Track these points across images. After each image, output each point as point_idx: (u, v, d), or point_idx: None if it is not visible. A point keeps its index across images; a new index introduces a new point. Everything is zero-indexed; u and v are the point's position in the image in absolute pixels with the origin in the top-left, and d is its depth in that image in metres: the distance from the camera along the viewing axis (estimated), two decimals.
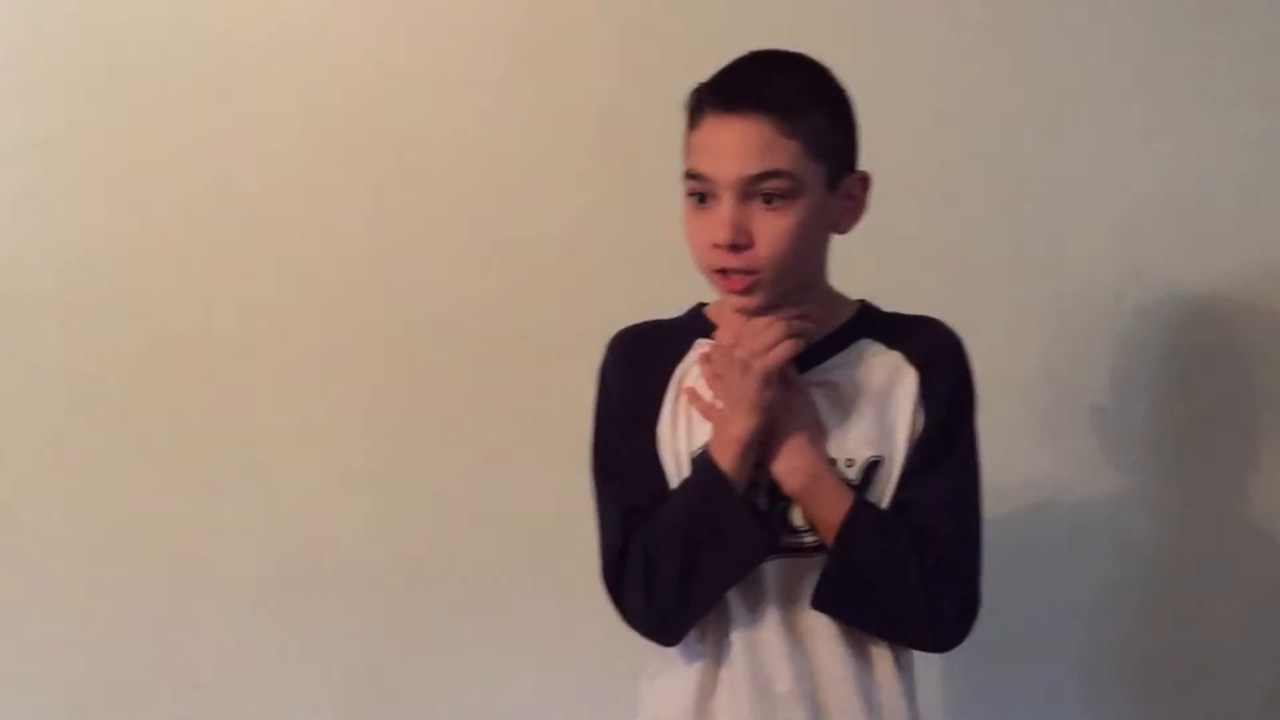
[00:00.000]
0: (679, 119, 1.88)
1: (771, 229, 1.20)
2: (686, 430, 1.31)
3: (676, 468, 1.31)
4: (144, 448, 1.94)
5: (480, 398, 1.94)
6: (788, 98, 1.21)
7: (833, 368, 1.29)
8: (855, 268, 1.87)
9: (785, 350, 1.23)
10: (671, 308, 1.90)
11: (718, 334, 1.30)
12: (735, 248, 1.21)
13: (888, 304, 1.77)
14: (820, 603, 1.25)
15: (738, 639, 1.28)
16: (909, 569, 1.23)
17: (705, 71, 1.88)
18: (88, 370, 1.93)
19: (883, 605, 1.25)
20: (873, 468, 1.27)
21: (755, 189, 1.20)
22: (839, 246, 1.79)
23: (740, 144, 1.20)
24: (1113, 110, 1.89)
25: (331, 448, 1.96)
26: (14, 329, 1.92)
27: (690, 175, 1.24)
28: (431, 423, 1.94)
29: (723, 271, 1.24)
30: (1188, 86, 1.87)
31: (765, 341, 1.23)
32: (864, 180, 1.29)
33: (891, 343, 1.31)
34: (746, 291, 1.23)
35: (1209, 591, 1.92)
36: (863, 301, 1.36)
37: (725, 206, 1.20)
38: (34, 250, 1.92)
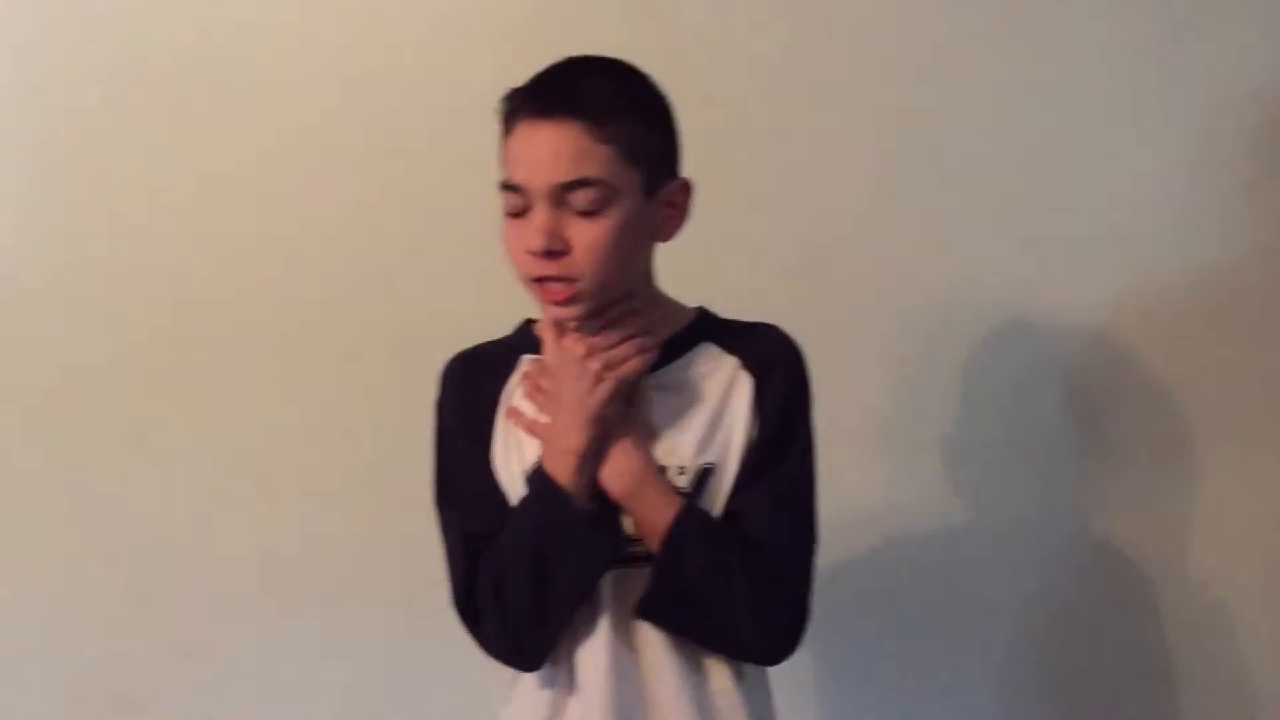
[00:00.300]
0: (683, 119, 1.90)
1: (588, 236, 1.21)
2: (517, 450, 1.32)
3: (512, 489, 1.31)
4: (147, 448, 1.99)
5: None
6: (601, 102, 1.21)
7: (669, 373, 1.30)
8: (852, 267, 1.90)
9: (639, 364, 1.26)
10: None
11: (566, 343, 1.28)
12: (551, 254, 1.21)
13: (883, 303, 1.78)
14: (645, 612, 1.26)
15: (573, 654, 1.28)
16: (735, 579, 1.24)
17: (707, 69, 1.90)
18: (89, 371, 1.97)
19: (708, 615, 1.25)
20: (705, 475, 1.28)
21: (569, 196, 1.21)
22: (839, 244, 1.81)
23: (553, 151, 1.20)
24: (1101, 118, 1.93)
25: (336, 447, 1.97)
26: (16, 330, 1.97)
27: (504, 186, 1.24)
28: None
29: (541, 282, 1.24)
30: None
31: (621, 354, 1.25)
32: (685, 187, 1.29)
33: (729, 349, 1.32)
34: (567, 302, 1.24)
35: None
36: (700, 308, 1.37)
37: (539, 214, 1.21)
38: (35, 252, 1.96)
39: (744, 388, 1.30)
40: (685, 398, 1.30)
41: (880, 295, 1.94)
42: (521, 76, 1.87)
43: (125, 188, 1.95)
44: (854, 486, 1.92)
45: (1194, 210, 1.94)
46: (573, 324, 1.26)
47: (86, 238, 1.96)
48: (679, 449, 1.28)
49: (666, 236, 1.30)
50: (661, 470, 1.27)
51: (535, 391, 1.31)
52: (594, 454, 1.25)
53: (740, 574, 1.24)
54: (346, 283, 1.95)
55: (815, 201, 1.94)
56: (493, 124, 1.91)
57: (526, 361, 1.34)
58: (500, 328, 1.83)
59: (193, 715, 2.02)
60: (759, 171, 1.94)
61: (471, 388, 1.36)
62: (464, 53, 1.93)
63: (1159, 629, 1.98)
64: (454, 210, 1.93)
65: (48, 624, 2.02)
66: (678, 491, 1.26)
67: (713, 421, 1.29)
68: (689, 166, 1.88)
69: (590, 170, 1.20)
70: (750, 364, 1.31)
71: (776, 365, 1.31)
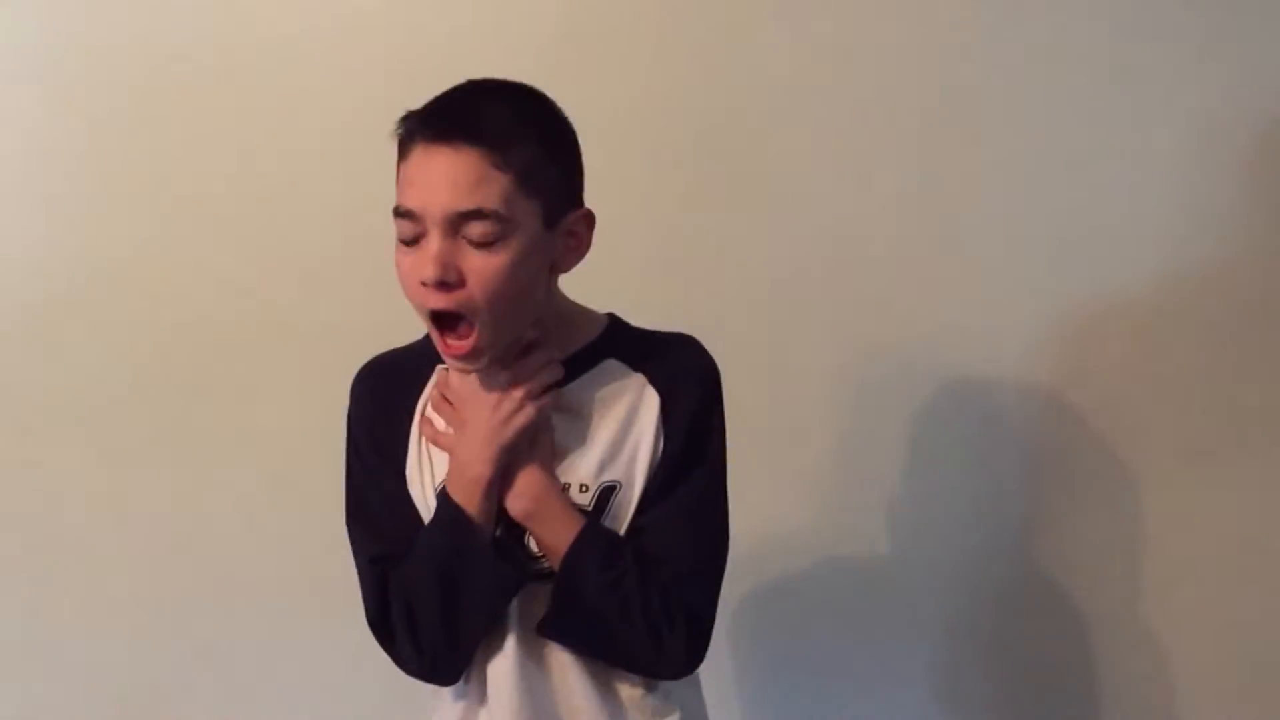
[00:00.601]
0: (712, 123, 1.90)
1: (484, 268, 1.15)
2: (430, 464, 1.29)
3: (426, 505, 1.28)
4: (182, 450, 1.99)
5: None
6: (500, 128, 1.15)
7: (574, 390, 1.26)
8: (888, 269, 1.91)
9: (554, 395, 1.24)
10: (697, 307, 1.87)
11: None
12: (444, 286, 1.15)
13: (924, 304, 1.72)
14: (545, 630, 1.25)
15: (485, 668, 1.28)
16: (632, 599, 1.22)
17: (738, 74, 1.88)
18: (124, 375, 1.98)
19: (606, 634, 1.24)
20: (609, 493, 1.25)
21: (465, 226, 1.15)
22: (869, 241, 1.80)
23: (449, 177, 1.14)
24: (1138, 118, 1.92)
25: None
26: (50, 334, 1.98)
27: (398, 212, 1.18)
28: None
29: (439, 326, 1.19)
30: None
31: (541, 383, 1.23)
32: (588, 218, 1.24)
33: (636, 364, 1.27)
34: (467, 357, 1.19)
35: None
36: (611, 317, 1.33)
37: (433, 242, 1.15)
38: (69, 255, 1.97)
39: (650, 406, 1.26)
40: (591, 415, 1.26)
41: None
42: (550, 85, 1.89)
43: (156, 191, 1.95)
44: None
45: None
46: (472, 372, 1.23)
47: (118, 241, 1.96)
48: (581, 468, 1.25)
49: (566, 268, 1.25)
50: (565, 488, 1.25)
51: (441, 403, 1.27)
52: (499, 481, 1.23)
53: (638, 595, 1.22)
54: (380, 284, 1.95)
55: (821, 208, 1.94)
56: None
57: (440, 371, 1.31)
58: None
59: (234, 717, 2.04)
60: (778, 172, 1.94)
61: (383, 399, 1.32)
62: (492, 58, 1.92)
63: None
64: None
65: (88, 626, 2.03)
66: (581, 510, 1.24)
67: (617, 440, 1.26)
68: (704, 166, 1.89)
69: (487, 200, 1.14)
70: (657, 381, 1.27)
71: (685, 382, 1.27)
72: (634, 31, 1.91)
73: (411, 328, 1.96)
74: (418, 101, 1.92)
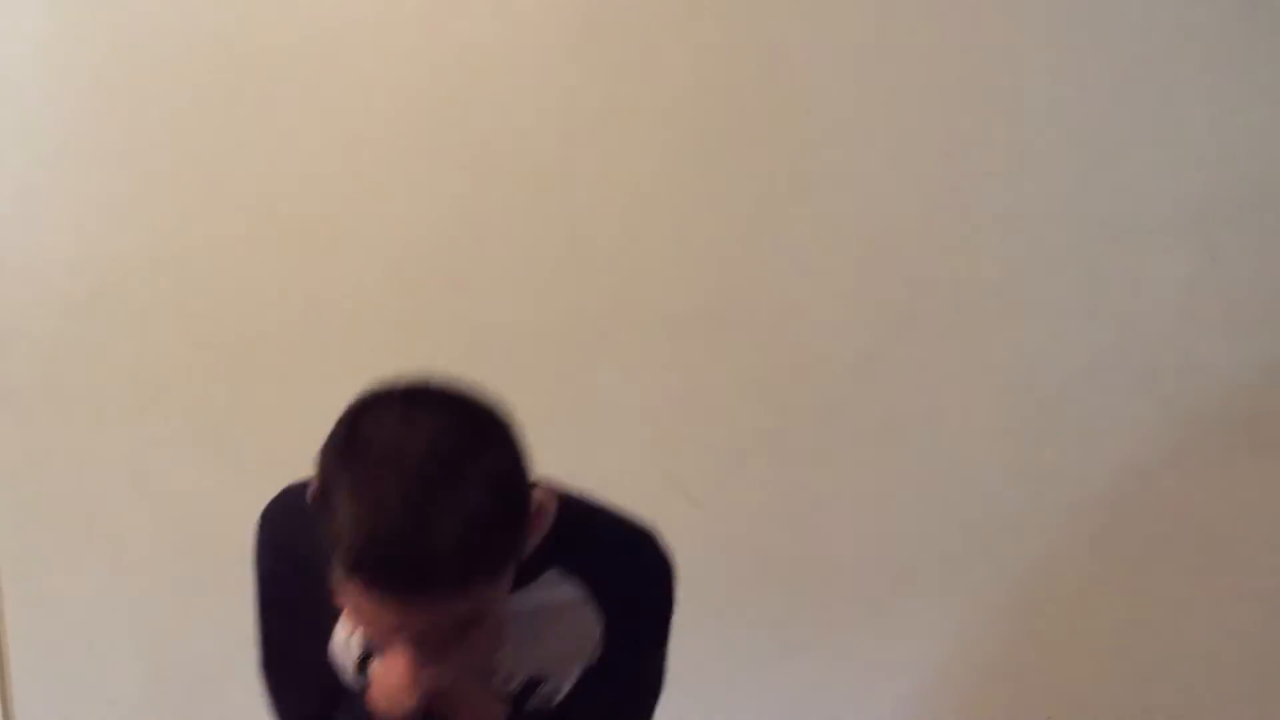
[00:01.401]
0: (750, 113, 1.86)
1: (464, 659, 1.08)
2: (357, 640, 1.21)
3: (349, 664, 1.22)
4: (224, 444, 1.99)
5: (542, 392, 1.93)
6: (455, 564, 0.97)
7: (513, 600, 1.12)
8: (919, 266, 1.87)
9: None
10: (728, 302, 1.85)
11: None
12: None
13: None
14: None
15: None
16: None
17: (776, 63, 1.84)
18: (165, 368, 1.97)
19: None
20: (535, 684, 1.21)
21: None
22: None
23: (411, 626, 1.01)
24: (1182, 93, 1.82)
25: None
26: (93, 328, 1.97)
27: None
28: None
29: None
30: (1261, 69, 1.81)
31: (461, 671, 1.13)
32: (543, 503, 1.11)
33: (583, 575, 1.18)
34: None
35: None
36: (560, 505, 1.17)
37: (404, 662, 1.04)
38: (111, 251, 1.95)
39: (591, 624, 1.20)
40: (525, 621, 1.18)
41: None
42: (588, 74, 1.87)
43: (195, 189, 1.92)
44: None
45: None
46: None
47: (158, 239, 1.94)
48: (509, 660, 1.20)
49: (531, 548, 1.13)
50: (489, 673, 1.21)
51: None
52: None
53: None
54: (417, 277, 1.92)
55: (866, 198, 1.88)
56: (557, 122, 1.89)
57: None
58: (562, 321, 1.77)
59: (259, 705, 2.06)
60: (810, 167, 1.87)
61: (298, 561, 1.16)
62: (528, 46, 1.85)
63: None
64: (518, 207, 1.93)
65: (130, 619, 2.06)
66: (501, 697, 1.21)
67: (551, 645, 1.21)
68: (752, 165, 1.86)
69: (458, 621, 1.02)
70: (601, 599, 1.19)
71: (631, 601, 1.21)
72: (662, 28, 1.84)
73: (439, 328, 1.99)
74: (458, 101, 1.91)
